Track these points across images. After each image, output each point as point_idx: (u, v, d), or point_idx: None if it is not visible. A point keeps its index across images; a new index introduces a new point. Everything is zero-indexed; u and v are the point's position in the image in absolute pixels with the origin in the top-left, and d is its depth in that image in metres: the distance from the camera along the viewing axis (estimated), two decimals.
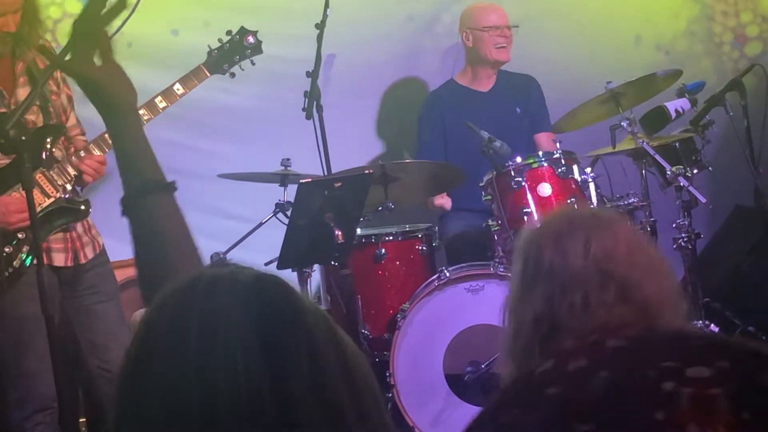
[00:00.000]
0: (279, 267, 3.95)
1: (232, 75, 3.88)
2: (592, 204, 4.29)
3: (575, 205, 1.83)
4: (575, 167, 4.32)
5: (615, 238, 1.72)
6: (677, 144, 4.46)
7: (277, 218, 4.34)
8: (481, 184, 4.41)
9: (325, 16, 4.43)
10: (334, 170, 4.32)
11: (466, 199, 4.87)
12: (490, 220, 4.40)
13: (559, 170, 4.27)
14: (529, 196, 4.25)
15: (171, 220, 1.63)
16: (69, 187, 3.54)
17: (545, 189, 4.25)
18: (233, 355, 1.12)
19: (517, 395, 1.50)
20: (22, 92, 3.46)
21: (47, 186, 3.50)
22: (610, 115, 4.54)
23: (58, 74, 3.59)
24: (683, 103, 4.46)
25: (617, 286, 1.67)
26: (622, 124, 4.35)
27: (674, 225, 4.42)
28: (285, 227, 4.01)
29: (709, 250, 5.20)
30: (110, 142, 3.52)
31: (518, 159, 4.31)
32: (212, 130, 5.10)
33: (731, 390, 1.33)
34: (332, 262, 4.14)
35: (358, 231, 4.27)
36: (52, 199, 3.50)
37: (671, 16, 5.67)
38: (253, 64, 3.93)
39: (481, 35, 4.99)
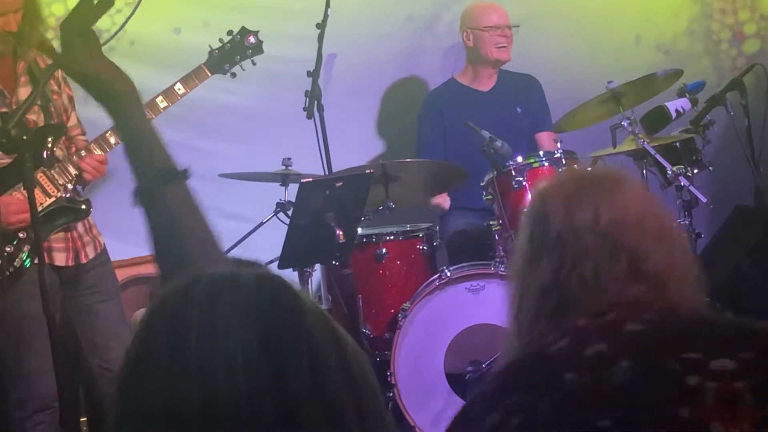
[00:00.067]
0: (280, 266, 3.96)
1: (233, 75, 3.88)
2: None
3: (584, 166, 1.67)
4: (576, 167, 4.32)
5: (625, 204, 1.62)
6: (678, 144, 4.46)
7: (277, 218, 4.34)
8: (482, 184, 4.41)
9: (326, 15, 4.43)
10: (334, 170, 4.32)
11: (467, 199, 4.87)
12: (491, 220, 4.40)
13: (560, 170, 4.27)
14: (529, 195, 4.25)
15: (186, 208, 1.61)
16: (70, 186, 3.55)
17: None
18: (233, 354, 1.12)
19: (527, 375, 1.46)
20: (24, 92, 3.46)
21: (48, 185, 3.50)
22: (610, 114, 4.54)
23: (59, 74, 3.59)
24: (684, 103, 4.46)
25: (628, 258, 1.58)
26: (622, 123, 4.36)
27: None
28: (286, 227, 4.01)
29: (709, 250, 5.19)
30: (111, 141, 3.56)
31: (519, 159, 4.31)
32: (213, 130, 5.10)
33: (755, 383, 1.32)
34: (333, 262, 4.14)
35: (359, 230, 4.27)
36: (53, 199, 3.51)
37: (671, 15, 5.67)
38: (254, 64, 3.93)
39: (482, 35, 4.99)
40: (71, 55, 1.64)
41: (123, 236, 4.66)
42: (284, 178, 4.36)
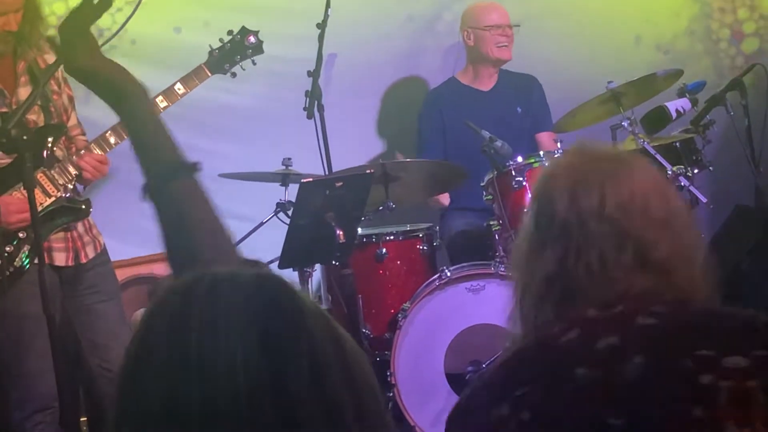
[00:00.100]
0: (280, 266, 3.96)
1: (233, 75, 3.88)
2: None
3: (590, 146, 1.57)
4: None
5: (631, 189, 1.57)
6: (678, 144, 4.46)
7: (278, 218, 4.34)
8: (482, 184, 4.41)
9: (326, 15, 4.43)
10: (334, 170, 4.33)
11: (467, 199, 4.87)
12: (491, 220, 4.40)
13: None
14: (530, 195, 4.25)
15: (196, 201, 1.60)
16: (70, 186, 3.55)
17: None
18: (233, 354, 1.12)
19: (535, 367, 1.44)
20: (24, 92, 3.46)
21: (48, 185, 3.50)
22: (610, 114, 4.55)
23: (59, 74, 3.59)
24: (684, 103, 4.46)
25: (634, 246, 1.54)
26: (622, 123, 4.36)
27: None
28: (286, 227, 4.01)
29: (709, 250, 5.19)
30: (111, 141, 3.56)
31: (519, 159, 4.31)
32: (213, 130, 5.10)
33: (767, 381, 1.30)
34: (333, 262, 4.14)
35: (359, 230, 4.27)
36: (53, 199, 3.51)
37: (671, 15, 5.67)
38: (254, 63, 3.93)
39: (483, 34, 4.99)
40: (72, 54, 1.64)
41: (123, 236, 4.67)
42: (284, 178, 4.36)
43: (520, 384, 1.41)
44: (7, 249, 3.40)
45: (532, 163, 4.31)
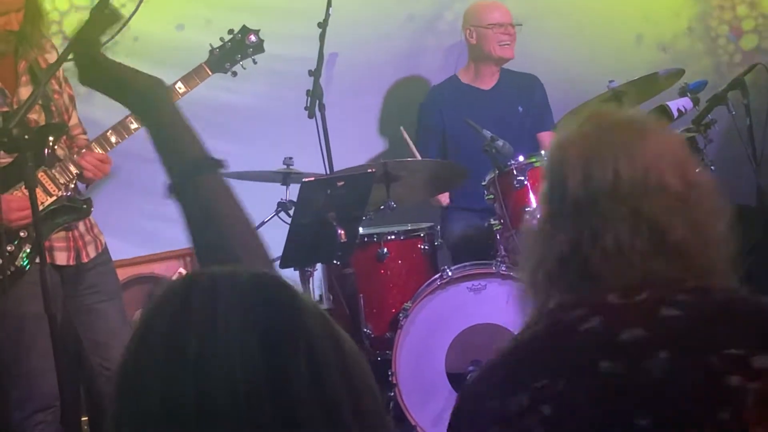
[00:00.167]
0: (281, 266, 3.95)
1: (234, 74, 3.88)
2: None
3: (605, 112, 1.48)
4: None
5: (645, 162, 1.48)
6: None
7: (279, 217, 4.34)
8: (483, 184, 4.41)
9: (327, 15, 4.43)
10: (336, 169, 4.32)
11: (469, 198, 4.87)
12: (492, 219, 4.40)
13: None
14: (531, 195, 4.25)
15: (222, 197, 1.59)
16: (71, 185, 3.55)
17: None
18: (231, 354, 1.12)
19: (555, 355, 1.39)
20: (25, 91, 3.46)
21: (49, 184, 3.50)
22: None
23: (60, 73, 3.59)
24: (685, 102, 4.46)
25: (650, 227, 1.46)
26: None
27: None
28: (287, 226, 4.01)
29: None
30: (111, 140, 3.56)
31: (520, 158, 4.31)
32: (214, 129, 5.08)
33: None
34: (334, 261, 4.14)
35: (361, 230, 4.27)
36: (54, 198, 3.50)
37: (672, 15, 5.67)
38: (255, 63, 3.92)
39: (485, 32, 4.99)
40: (86, 65, 1.64)
41: (124, 236, 4.68)
42: (285, 178, 4.36)
43: (539, 373, 1.36)
44: (9, 248, 3.39)
45: (534, 162, 4.31)
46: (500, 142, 4.28)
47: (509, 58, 5.03)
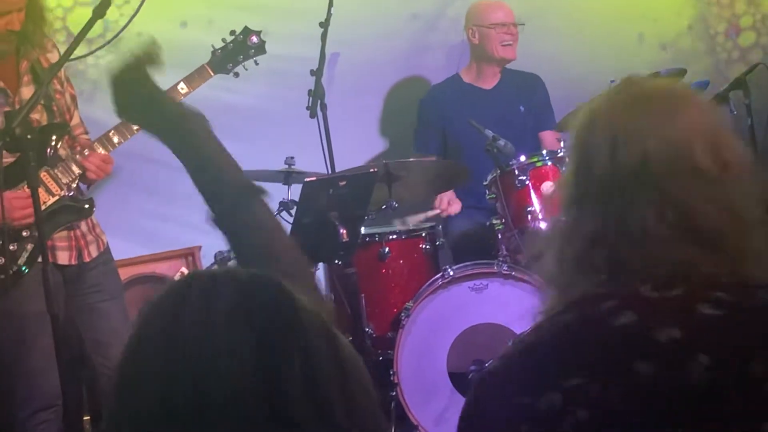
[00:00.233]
0: None
1: (236, 75, 3.88)
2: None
3: (638, 81, 1.50)
4: None
5: (677, 141, 1.38)
6: None
7: (280, 217, 4.34)
8: (485, 183, 4.41)
9: (329, 14, 4.43)
10: (337, 169, 4.33)
11: (470, 198, 4.87)
12: (494, 219, 4.40)
13: (563, 169, 4.27)
14: (533, 194, 4.26)
15: (268, 226, 1.60)
16: (74, 185, 3.55)
17: (549, 188, 4.25)
18: (225, 352, 1.14)
19: (588, 350, 1.30)
20: (26, 91, 3.46)
21: (52, 184, 3.50)
22: None
23: (62, 73, 3.59)
24: None
25: (679, 211, 1.36)
26: None
27: None
28: (289, 226, 4.01)
29: None
30: (114, 140, 3.57)
31: (522, 158, 4.31)
32: (216, 129, 5.03)
33: None
34: (336, 261, 4.14)
35: (362, 230, 4.27)
36: (57, 198, 3.51)
37: (674, 14, 5.68)
38: (256, 64, 3.93)
39: (488, 32, 4.99)
40: (125, 101, 1.64)
41: (126, 235, 4.68)
42: (287, 177, 4.36)
43: (570, 371, 1.28)
44: (11, 247, 3.40)
45: (535, 162, 4.31)
46: (502, 142, 4.28)
47: (511, 60, 5.03)
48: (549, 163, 4.31)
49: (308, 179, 3.95)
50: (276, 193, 4.37)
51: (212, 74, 3.79)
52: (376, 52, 5.32)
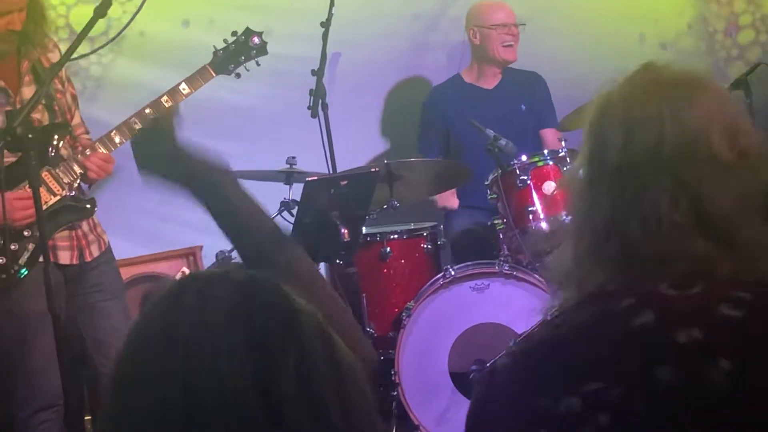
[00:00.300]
0: None
1: (238, 75, 3.89)
2: None
3: (656, 67, 1.46)
4: None
5: (693, 127, 1.35)
6: None
7: (282, 216, 4.34)
8: (486, 183, 4.41)
9: (330, 14, 4.44)
10: (339, 168, 4.33)
11: (471, 197, 4.87)
12: (495, 219, 4.40)
13: (565, 169, 4.27)
14: (534, 194, 4.26)
15: (305, 278, 1.60)
16: (75, 185, 3.55)
17: (550, 187, 4.25)
18: (218, 352, 1.15)
19: (606, 351, 1.26)
20: (27, 91, 3.46)
21: (53, 184, 3.50)
22: None
23: (63, 73, 3.60)
24: None
25: (691, 200, 1.32)
26: None
27: None
28: (290, 225, 4.01)
29: None
30: (116, 140, 3.57)
31: (523, 157, 4.31)
32: (217, 129, 5.10)
33: None
34: (338, 261, 4.14)
35: (364, 229, 4.27)
36: (58, 197, 3.51)
37: (675, 14, 5.68)
38: (258, 64, 3.93)
39: (489, 33, 4.99)
40: (149, 165, 1.65)
41: (127, 235, 4.68)
42: (288, 177, 4.36)
43: (590, 374, 1.25)
44: (12, 247, 3.40)
45: (537, 161, 4.31)
46: (503, 141, 4.28)
47: (512, 61, 5.03)
48: (550, 163, 4.31)
49: (309, 179, 3.95)
50: (277, 193, 4.37)
51: (214, 75, 3.79)
52: (378, 52, 5.32)
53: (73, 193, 3.55)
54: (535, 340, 1.34)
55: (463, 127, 4.72)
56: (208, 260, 4.72)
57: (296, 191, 4.17)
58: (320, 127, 4.33)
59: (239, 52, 3.85)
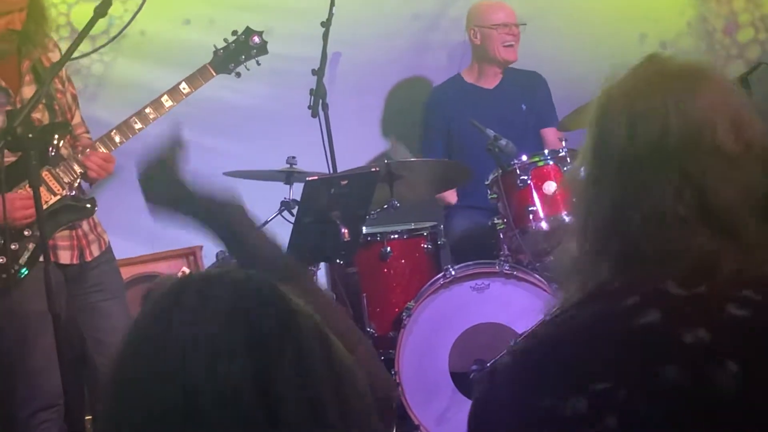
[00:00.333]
0: None
1: (238, 75, 3.89)
2: None
3: (661, 59, 1.48)
4: None
5: (697, 118, 1.33)
6: None
7: (282, 216, 4.34)
8: (486, 183, 4.41)
9: (330, 14, 4.44)
10: (339, 168, 4.33)
11: (472, 197, 4.87)
12: (495, 219, 4.40)
13: (565, 168, 4.27)
14: (534, 194, 4.25)
15: (322, 300, 1.63)
16: (75, 184, 3.55)
17: (551, 187, 4.25)
18: (216, 352, 1.15)
19: (611, 351, 1.25)
20: (28, 90, 3.46)
21: (53, 183, 3.50)
22: None
23: (63, 72, 3.59)
24: None
25: (695, 192, 1.30)
26: None
27: None
28: (290, 225, 4.01)
29: None
30: (116, 140, 3.57)
31: (524, 157, 4.31)
32: (217, 128, 5.11)
33: None
34: (338, 261, 4.14)
35: (364, 229, 4.27)
36: (58, 197, 3.51)
37: (675, 13, 5.68)
38: (258, 64, 3.93)
39: (490, 33, 4.99)
40: (162, 200, 1.66)
41: (127, 234, 4.68)
42: (289, 177, 4.36)
43: (596, 374, 1.23)
44: (12, 247, 3.40)
45: (537, 161, 4.31)
46: (503, 141, 4.28)
47: (513, 61, 5.03)
48: (551, 163, 4.31)
49: (310, 179, 3.95)
50: (278, 193, 4.37)
51: (214, 74, 3.79)
52: (378, 52, 5.32)
53: (74, 192, 3.54)
54: (535, 340, 1.33)
55: (463, 127, 4.72)
56: (208, 260, 4.72)
57: (296, 191, 4.17)
58: (320, 126, 4.33)
59: (240, 51, 3.86)
